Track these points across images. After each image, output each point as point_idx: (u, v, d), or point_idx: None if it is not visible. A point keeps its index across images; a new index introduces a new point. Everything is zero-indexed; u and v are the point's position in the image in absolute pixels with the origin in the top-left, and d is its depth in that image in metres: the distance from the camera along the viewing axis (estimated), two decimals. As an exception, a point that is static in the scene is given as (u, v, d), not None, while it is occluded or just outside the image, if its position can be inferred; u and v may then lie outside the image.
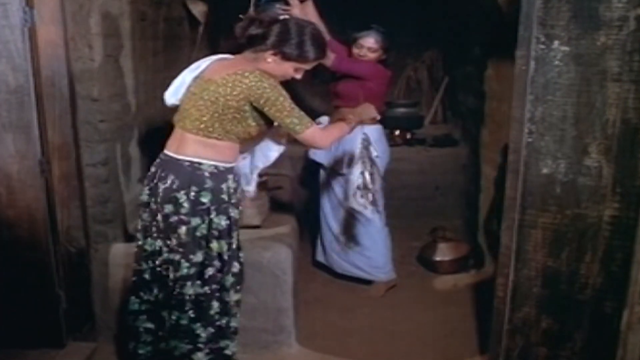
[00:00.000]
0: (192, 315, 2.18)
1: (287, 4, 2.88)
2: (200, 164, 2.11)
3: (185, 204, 2.09)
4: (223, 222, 2.14)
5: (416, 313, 3.08)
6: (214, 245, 2.15)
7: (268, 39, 2.13)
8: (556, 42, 1.92)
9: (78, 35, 2.49)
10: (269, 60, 2.14)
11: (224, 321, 2.24)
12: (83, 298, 2.69)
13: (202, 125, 2.10)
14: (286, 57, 2.14)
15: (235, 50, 2.29)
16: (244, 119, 2.09)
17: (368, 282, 3.33)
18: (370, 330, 2.90)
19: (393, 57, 3.34)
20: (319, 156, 3.27)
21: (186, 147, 2.13)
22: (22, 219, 2.50)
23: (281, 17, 2.23)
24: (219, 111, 2.07)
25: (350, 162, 2.98)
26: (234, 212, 2.19)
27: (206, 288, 2.17)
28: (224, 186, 2.13)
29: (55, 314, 2.61)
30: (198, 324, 2.20)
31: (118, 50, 2.72)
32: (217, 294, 2.20)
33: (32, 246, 2.53)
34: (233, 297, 2.25)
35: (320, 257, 3.48)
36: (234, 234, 2.21)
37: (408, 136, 4.33)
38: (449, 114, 4.72)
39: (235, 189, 2.21)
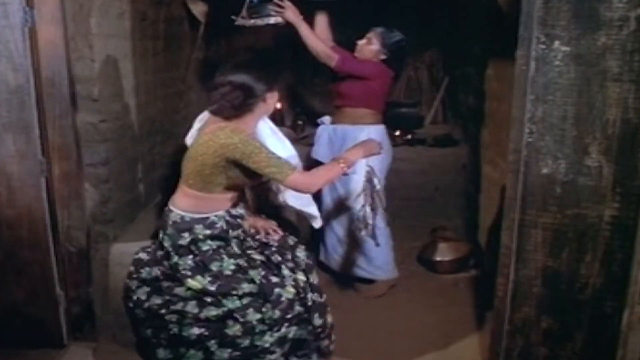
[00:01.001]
0: (205, 333, 2.29)
1: (279, 5, 2.88)
2: (171, 211, 2.33)
3: (152, 243, 2.41)
4: (189, 261, 2.28)
5: (416, 313, 3.08)
6: (192, 283, 2.27)
7: (256, 91, 2.26)
8: (556, 42, 1.91)
9: (78, 35, 2.49)
10: (269, 102, 2.33)
11: (247, 342, 2.27)
12: (83, 298, 2.69)
13: (185, 177, 2.31)
14: (273, 90, 2.33)
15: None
16: (222, 172, 2.23)
17: (368, 281, 3.33)
18: (370, 330, 2.90)
19: (399, 59, 3.30)
20: (322, 156, 3.26)
21: (175, 197, 2.37)
22: (23, 219, 2.50)
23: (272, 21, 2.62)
24: (197, 167, 2.24)
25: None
26: (206, 246, 2.29)
27: (203, 329, 2.27)
28: (185, 234, 2.28)
29: (56, 313, 2.62)
30: (213, 342, 2.28)
31: (118, 50, 2.72)
32: (229, 321, 2.26)
33: (32, 246, 2.53)
34: (254, 316, 2.25)
35: (322, 257, 3.47)
36: (216, 266, 2.27)
37: (408, 136, 4.34)
38: (449, 114, 4.73)
39: (213, 236, 2.30)
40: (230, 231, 2.36)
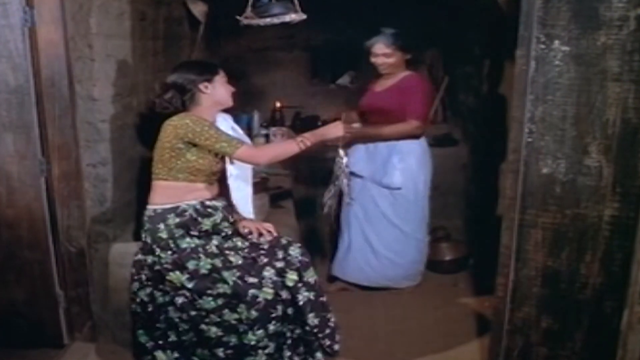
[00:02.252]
0: (195, 339, 2.35)
1: (292, 2, 2.84)
2: (146, 209, 2.41)
3: (141, 243, 2.43)
4: (168, 255, 2.32)
5: (416, 313, 3.08)
6: (171, 276, 2.31)
7: (186, 84, 2.39)
8: (556, 42, 1.91)
9: (78, 35, 2.49)
10: (207, 91, 2.41)
11: (233, 340, 2.30)
12: (83, 298, 2.69)
13: (152, 169, 2.42)
14: (211, 80, 2.41)
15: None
16: (181, 155, 2.33)
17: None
18: (369, 330, 2.90)
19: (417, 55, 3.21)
20: (360, 170, 3.18)
21: (149, 196, 2.44)
22: (22, 218, 2.50)
23: (288, 19, 2.66)
24: (158, 154, 2.37)
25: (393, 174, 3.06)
26: (184, 244, 2.33)
27: (184, 314, 2.32)
28: (160, 225, 2.34)
29: (55, 313, 2.62)
30: (199, 349, 2.35)
31: (118, 50, 2.72)
32: (207, 320, 2.30)
33: (32, 246, 2.53)
34: (231, 316, 2.28)
35: (337, 273, 3.36)
36: (192, 264, 2.30)
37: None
38: (449, 113, 4.72)
39: (183, 223, 2.35)
40: (200, 219, 2.38)
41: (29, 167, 2.46)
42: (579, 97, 1.93)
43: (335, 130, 2.50)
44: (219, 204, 2.47)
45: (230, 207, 2.56)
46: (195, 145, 2.32)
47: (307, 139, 2.43)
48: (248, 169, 2.66)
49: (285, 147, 2.51)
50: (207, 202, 2.43)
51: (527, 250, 2.11)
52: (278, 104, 4.38)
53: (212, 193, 2.47)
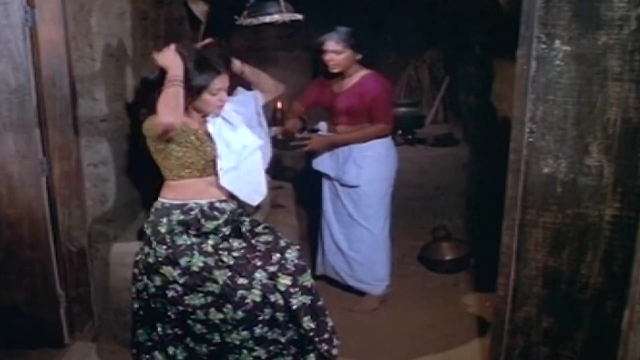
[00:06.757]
0: (179, 332, 2.34)
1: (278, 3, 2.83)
2: (156, 201, 2.40)
3: (144, 235, 2.41)
4: (162, 250, 2.31)
5: (417, 312, 3.08)
6: (164, 270, 2.31)
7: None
8: (557, 42, 1.92)
9: (79, 35, 2.49)
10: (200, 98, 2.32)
11: (216, 338, 2.30)
12: (84, 297, 2.69)
13: (160, 171, 2.40)
14: (196, 92, 2.29)
15: None
16: (167, 153, 2.30)
17: (358, 293, 3.25)
18: (370, 330, 2.90)
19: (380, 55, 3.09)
20: (325, 167, 3.18)
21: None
22: (23, 218, 2.50)
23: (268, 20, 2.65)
24: (155, 160, 2.36)
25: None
26: (180, 240, 2.30)
27: (173, 308, 2.32)
28: (163, 219, 2.33)
29: (56, 313, 2.62)
30: (188, 339, 2.34)
31: (119, 49, 2.72)
32: (193, 316, 2.30)
33: (32, 245, 2.53)
34: (215, 315, 2.28)
35: (320, 271, 3.33)
36: (184, 261, 2.28)
37: (409, 136, 4.33)
38: (450, 113, 4.73)
39: (185, 222, 2.31)
40: (203, 221, 2.34)
41: (30, 166, 2.46)
42: (580, 97, 1.93)
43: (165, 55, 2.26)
44: (228, 207, 2.41)
45: (241, 209, 2.50)
46: (168, 140, 2.25)
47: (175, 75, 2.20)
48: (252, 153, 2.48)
49: (166, 92, 2.18)
50: (217, 204, 2.38)
51: (528, 250, 2.11)
52: (279, 104, 4.38)
53: (225, 190, 2.39)
